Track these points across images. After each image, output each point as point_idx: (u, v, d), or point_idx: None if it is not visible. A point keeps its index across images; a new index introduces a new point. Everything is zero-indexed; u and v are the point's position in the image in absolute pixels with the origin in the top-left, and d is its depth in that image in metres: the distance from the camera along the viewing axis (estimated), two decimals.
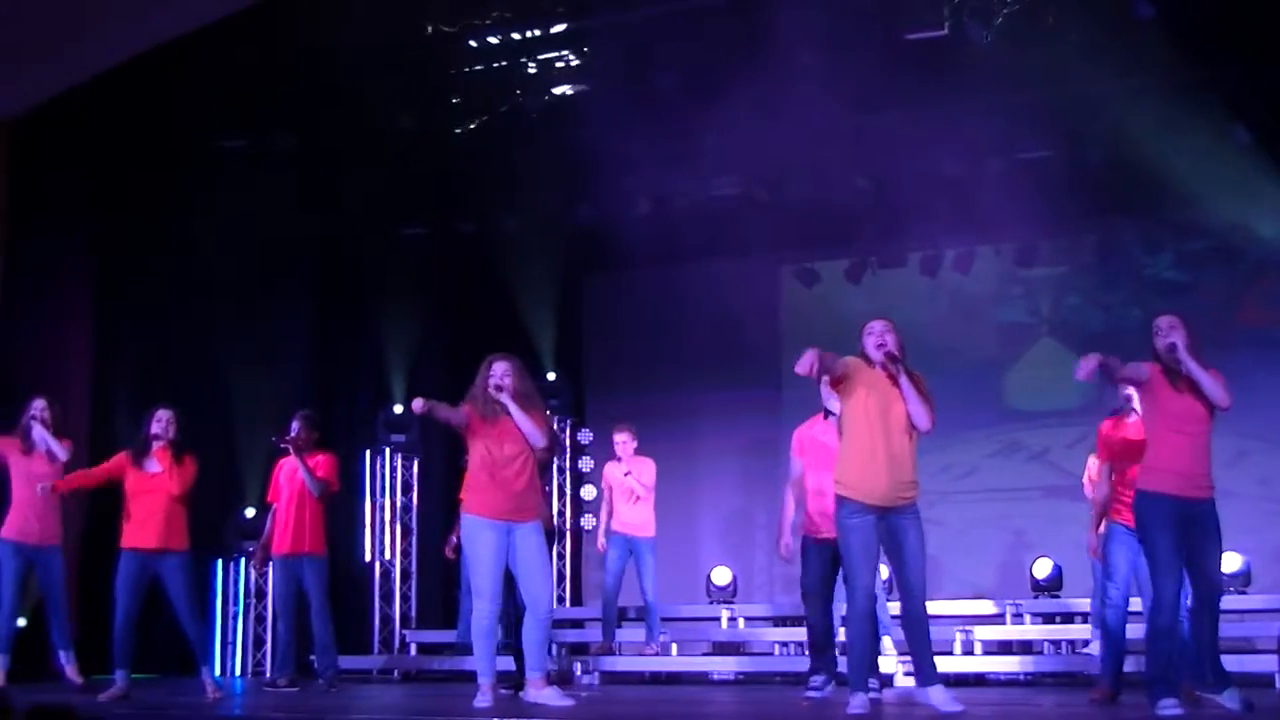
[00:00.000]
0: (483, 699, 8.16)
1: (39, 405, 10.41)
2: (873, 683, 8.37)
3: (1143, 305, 14.35)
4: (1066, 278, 15.08)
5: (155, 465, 9.79)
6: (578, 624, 14.41)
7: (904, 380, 7.79)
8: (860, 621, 7.76)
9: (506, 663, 9.62)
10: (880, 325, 7.98)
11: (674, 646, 13.12)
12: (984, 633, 12.29)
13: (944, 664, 10.48)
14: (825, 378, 8.26)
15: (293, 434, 10.96)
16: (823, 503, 8.91)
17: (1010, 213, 14.40)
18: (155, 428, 9.80)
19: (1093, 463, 10.00)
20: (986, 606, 12.99)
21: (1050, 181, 13.97)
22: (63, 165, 13.01)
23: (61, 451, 10.30)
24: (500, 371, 8.29)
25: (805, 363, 7.52)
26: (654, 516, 12.29)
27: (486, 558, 8.18)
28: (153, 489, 9.72)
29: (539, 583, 8.23)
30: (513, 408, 8.20)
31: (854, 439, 7.84)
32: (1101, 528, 8.98)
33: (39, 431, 10.31)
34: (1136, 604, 8.67)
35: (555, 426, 8.15)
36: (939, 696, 7.70)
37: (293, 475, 11.05)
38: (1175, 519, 7.56)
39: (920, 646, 7.81)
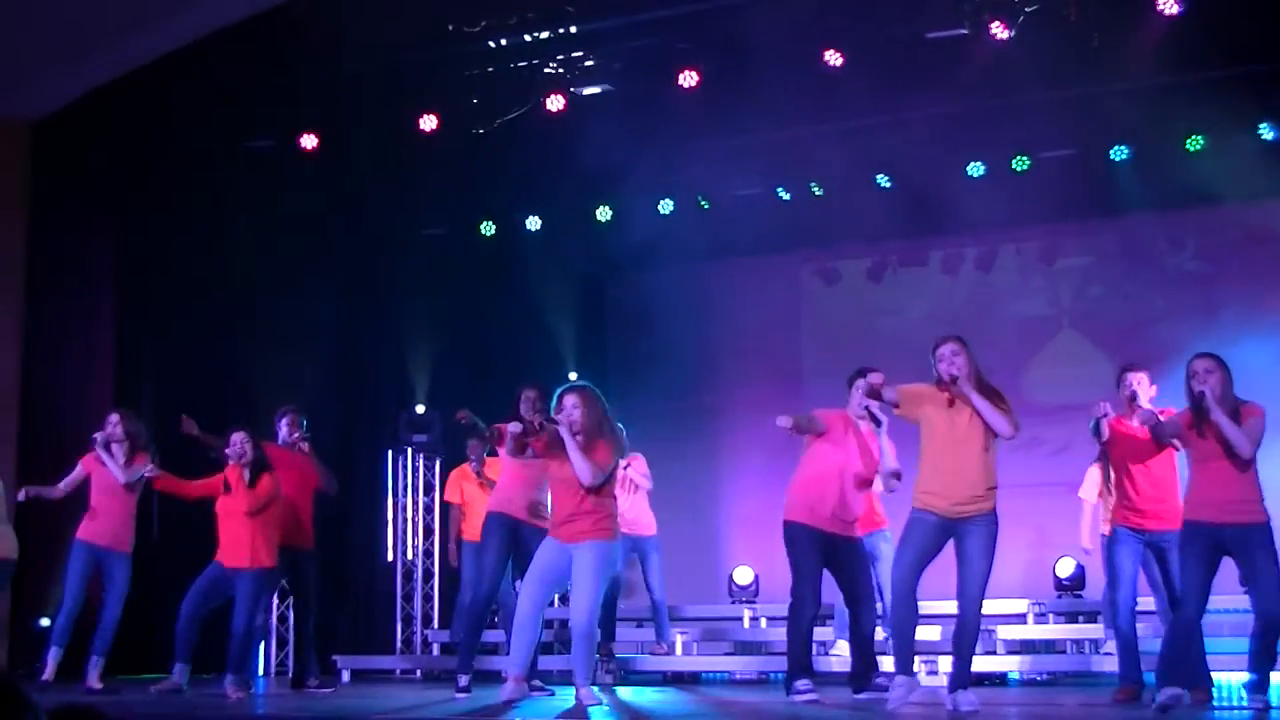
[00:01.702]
0: (506, 691, 8.33)
1: (111, 421, 10.63)
2: (881, 679, 9.03)
3: (1166, 296, 14.32)
4: (1088, 268, 15.03)
5: (235, 486, 10.20)
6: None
7: (975, 398, 7.95)
8: (899, 605, 8.04)
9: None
10: (949, 350, 8.13)
11: (694, 646, 13.11)
12: (1006, 632, 12.26)
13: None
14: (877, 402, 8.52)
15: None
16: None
17: (1032, 211, 14.43)
18: (229, 450, 10.22)
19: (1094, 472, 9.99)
20: (1011, 606, 12.95)
21: (1072, 179, 13.98)
22: (87, 166, 13.06)
23: (121, 474, 10.49)
24: (569, 405, 8.38)
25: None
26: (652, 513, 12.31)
27: (543, 566, 8.36)
28: (230, 510, 10.19)
29: (579, 599, 8.23)
30: (570, 445, 8.25)
31: (925, 455, 8.09)
32: (1105, 529, 9.00)
33: (104, 455, 10.51)
34: (1147, 604, 8.70)
35: (618, 458, 8.39)
36: (963, 699, 7.82)
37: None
38: (1208, 545, 7.84)
39: (960, 651, 7.97)
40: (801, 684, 9.03)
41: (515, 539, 9.78)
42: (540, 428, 8.51)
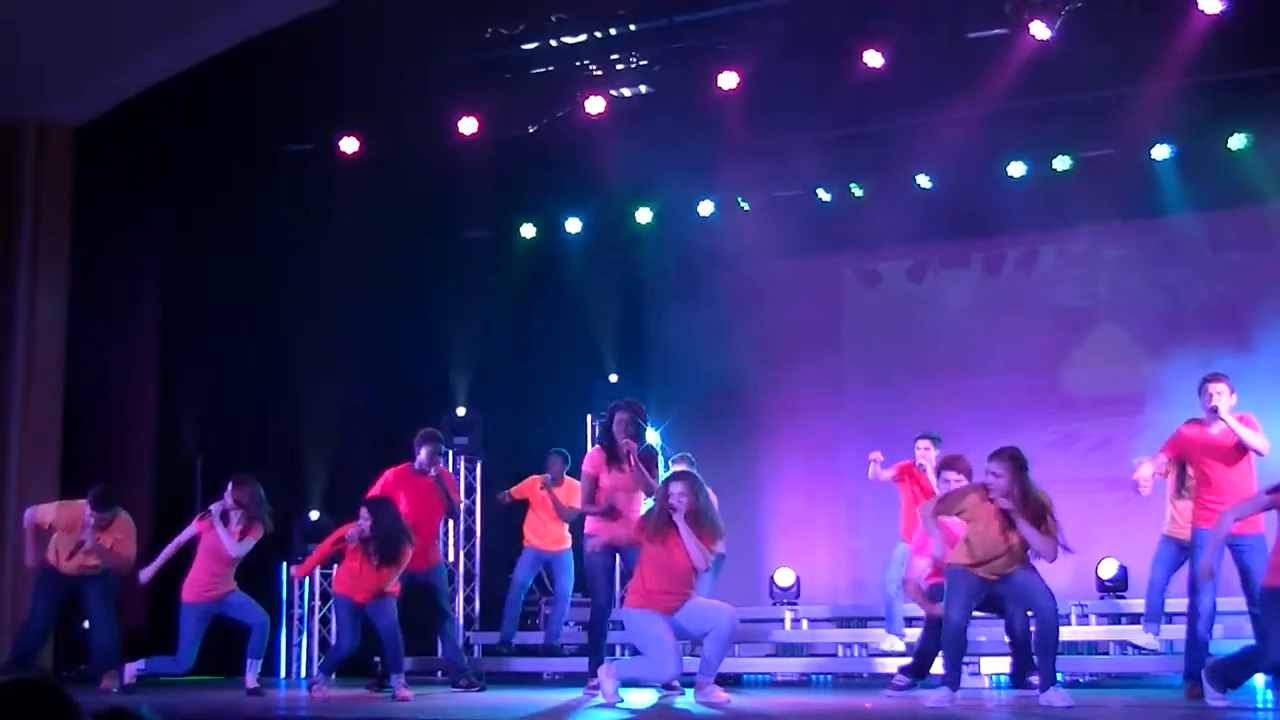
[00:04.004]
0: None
1: (228, 491, 10.84)
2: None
3: (1208, 286, 14.22)
4: (1126, 260, 14.94)
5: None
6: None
7: (1021, 523, 8.41)
8: (952, 634, 8.67)
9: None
10: (992, 468, 8.53)
11: (735, 648, 13.05)
12: None
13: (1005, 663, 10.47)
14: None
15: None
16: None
17: (1074, 211, 14.38)
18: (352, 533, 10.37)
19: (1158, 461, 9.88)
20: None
21: (1115, 179, 13.92)
22: (130, 170, 13.14)
23: (233, 548, 10.73)
24: (676, 492, 8.78)
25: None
26: None
27: (659, 640, 8.75)
28: (361, 568, 10.33)
29: (716, 619, 8.80)
30: (683, 529, 8.73)
31: (973, 541, 8.59)
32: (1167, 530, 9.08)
33: (219, 527, 10.73)
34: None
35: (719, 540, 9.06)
36: (1061, 696, 8.40)
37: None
38: None
39: (1043, 654, 8.67)
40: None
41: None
42: (628, 455, 9.45)
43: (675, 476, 9.03)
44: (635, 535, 9.06)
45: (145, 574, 11.01)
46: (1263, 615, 8.23)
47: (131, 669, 10.66)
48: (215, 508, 10.79)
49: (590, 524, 10.23)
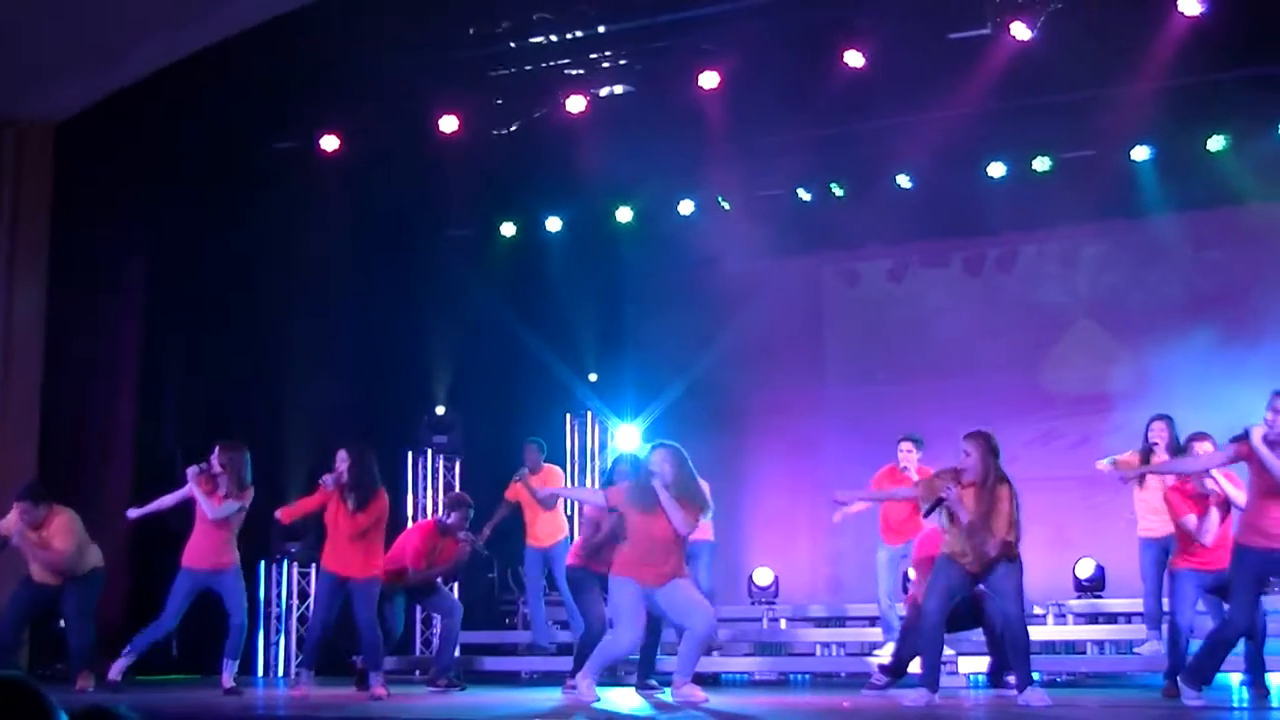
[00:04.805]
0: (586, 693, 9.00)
1: (214, 453, 10.77)
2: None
3: (1187, 286, 14.27)
4: (1106, 260, 14.98)
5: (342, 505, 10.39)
6: None
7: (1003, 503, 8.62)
8: (930, 629, 8.79)
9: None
10: (965, 450, 8.77)
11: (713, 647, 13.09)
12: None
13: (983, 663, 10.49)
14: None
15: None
16: None
17: (1054, 212, 14.43)
18: (329, 476, 10.41)
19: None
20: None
21: (1094, 180, 13.96)
22: (109, 167, 13.09)
23: (211, 510, 10.61)
24: (658, 460, 8.90)
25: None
26: None
27: (627, 609, 8.83)
28: (336, 523, 10.38)
29: (694, 617, 8.80)
30: (665, 498, 8.77)
31: (955, 529, 8.75)
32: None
33: (196, 490, 10.66)
34: None
35: (704, 508, 9.04)
36: (1039, 696, 8.55)
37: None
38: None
39: (1016, 658, 8.83)
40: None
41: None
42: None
43: (658, 447, 9.05)
44: (619, 506, 9.09)
45: (133, 513, 10.95)
46: (1231, 574, 8.34)
47: (118, 665, 10.54)
48: (192, 470, 10.67)
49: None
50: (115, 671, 10.50)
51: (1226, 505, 8.89)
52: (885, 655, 10.90)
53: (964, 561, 8.64)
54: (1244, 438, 8.21)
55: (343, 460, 10.34)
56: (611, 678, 10.42)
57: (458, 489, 15.33)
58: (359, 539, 10.26)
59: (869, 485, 11.74)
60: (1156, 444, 10.65)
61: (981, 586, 9.05)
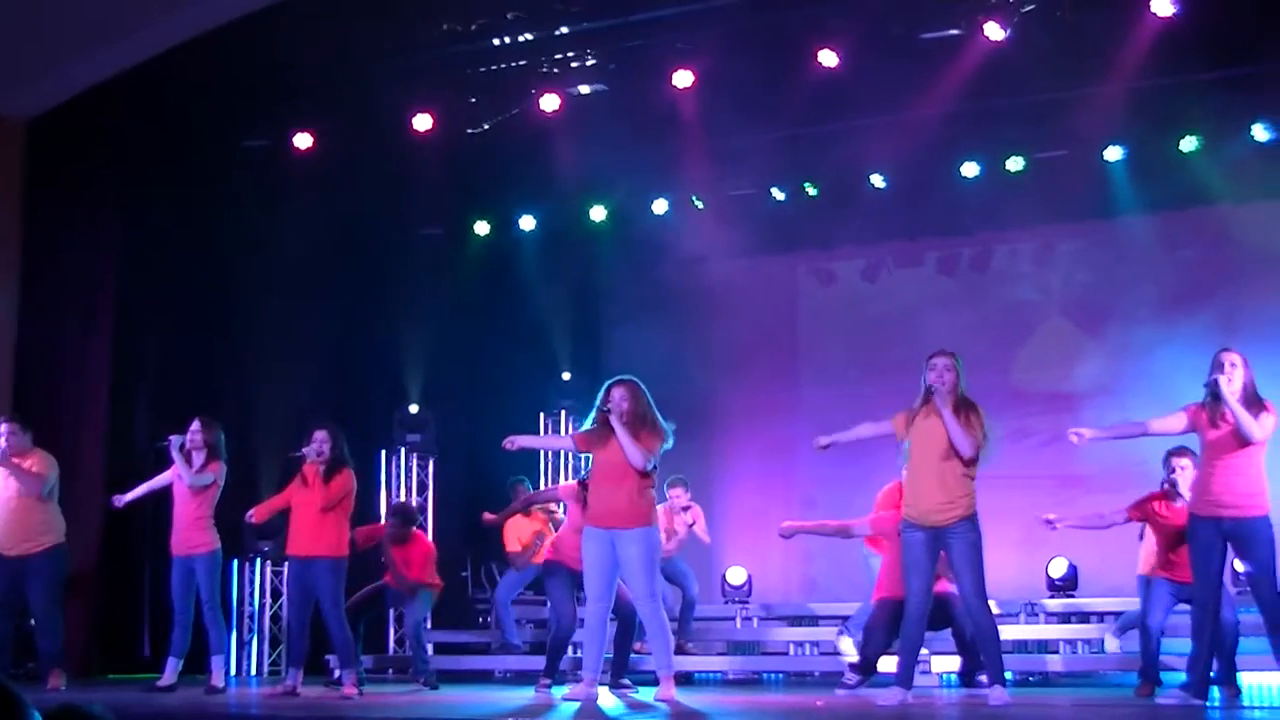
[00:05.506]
0: (575, 692, 9.00)
1: (192, 428, 10.70)
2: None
3: (1159, 286, 14.33)
4: (1079, 259, 15.03)
5: (310, 481, 10.40)
6: None
7: (946, 413, 8.48)
8: (911, 624, 8.63)
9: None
10: (942, 362, 8.66)
11: (687, 646, 13.08)
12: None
13: (957, 662, 10.51)
14: None
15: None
16: None
17: (1027, 212, 14.48)
18: (308, 448, 10.38)
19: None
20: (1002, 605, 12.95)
21: (1067, 180, 14.01)
22: (81, 164, 13.03)
23: (188, 475, 10.53)
24: (617, 396, 8.88)
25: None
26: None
27: (592, 562, 8.87)
28: (303, 503, 10.36)
29: (635, 587, 8.86)
30: (619, 430, 8.75)
31: (910, 467, 8.77)
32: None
33: (177, 456, 10.59)
34: None
35: (663, 445, 8.94)
36: (998, 695, 8.44)
37: None
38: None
39: (985, 653, 8.74)
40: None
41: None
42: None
43: (617, 382, 9.00)
44: (580, 446, 9.17)
45: (119, 500, 10.93)
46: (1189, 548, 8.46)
47: (169, 671, 10.50)
48: (175, 439, 10.60)
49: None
50: (167, 678, 10.45)
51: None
52: (851, 654, 10.87)
53: (924, 523, 8.53)
54: (1211, 396, 8.21)
55: (322, 439, 10.33)
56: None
57: (430, 487, 15.36)
58: (326, 513, 10.21)
59: (875, 504, 11.41)
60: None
61: (952, 589, 9.08)
